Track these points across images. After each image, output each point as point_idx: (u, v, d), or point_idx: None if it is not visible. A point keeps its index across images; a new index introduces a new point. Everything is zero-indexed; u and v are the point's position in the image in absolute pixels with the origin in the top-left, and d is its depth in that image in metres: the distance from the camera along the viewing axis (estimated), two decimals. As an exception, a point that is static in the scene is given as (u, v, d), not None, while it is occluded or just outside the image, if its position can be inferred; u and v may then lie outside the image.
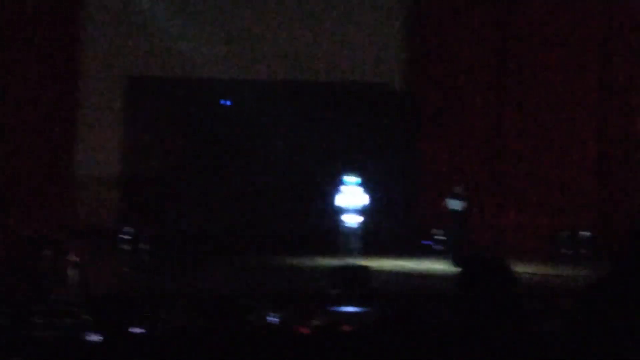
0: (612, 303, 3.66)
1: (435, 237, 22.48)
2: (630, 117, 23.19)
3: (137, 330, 7.51)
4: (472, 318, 3.68)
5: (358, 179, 18.35)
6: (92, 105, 22.58)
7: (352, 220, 17.99)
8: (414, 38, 24.02)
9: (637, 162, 22.81)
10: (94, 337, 7.30)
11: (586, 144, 23.45)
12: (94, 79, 22.63)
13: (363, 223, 18.27)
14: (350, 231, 18.20)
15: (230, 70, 23.41)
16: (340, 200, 18.15)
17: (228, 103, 22.70)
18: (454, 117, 23.58)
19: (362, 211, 18.13)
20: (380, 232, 22.62)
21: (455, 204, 19.63)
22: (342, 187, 18.26)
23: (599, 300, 3.73)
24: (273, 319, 10.54)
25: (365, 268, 16.33)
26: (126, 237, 21.08)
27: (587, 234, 22.38)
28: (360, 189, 18.30)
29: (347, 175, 18.38)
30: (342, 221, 18.16)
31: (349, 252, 17.88)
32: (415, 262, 21.65)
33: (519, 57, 23.38)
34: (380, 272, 18.61)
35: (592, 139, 23.42)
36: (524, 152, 23.40)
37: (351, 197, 18.07)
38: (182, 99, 22.71)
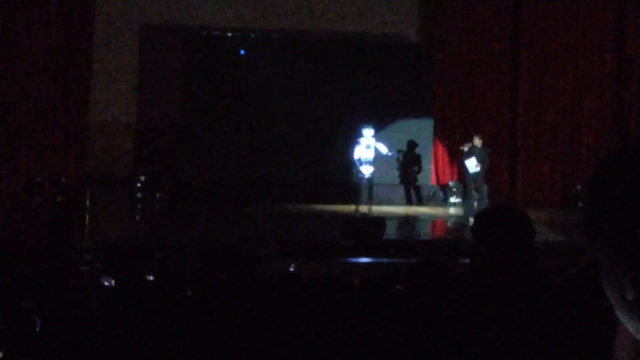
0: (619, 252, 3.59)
1: (451, 187, 22.51)
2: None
3: (150, 277, 7.52)
4: (488, 268, 3.63)
5: (373, 130, 18.32)
6: (107, 51, 22.57)
7: (367, 171, 17.97)
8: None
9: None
10: (107, 284, 7.31)
11: (602, 97, 23.34)
12: (109, 26, 22.61)
13: (379, 173, 18.26)
14: (366, 181, 18.19)
15: (246, 20, 23.32)
16: (356, 151, 18.12)
17: (242, 52, 22.60)
18: (470, 70, 23.45)
19: (378, 162, 18.09)
20: (396, 182, 22.70)
21: (472, 158, 19.54)
22: (358, 138, 18.23)
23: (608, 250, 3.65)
24: (286, 268, 10.53)
25: (381, 218, 16.30)
26: (140, 184, 21.11)
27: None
28: (375, 140, 18.27)
29: (363, 126, 18.36)
30: (357, 171, 18.14)
31: (364, 202, 17.87)
32: (431, 210, 21.77)
33: (535, 10, 23.20)
34: (394, 221, 18.70)
35: (608, 91, 23.31)
36: (539, 104, 23.29)
37: (367, 148, 18.04)
38: (197, 47, 22.64)
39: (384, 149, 18.63)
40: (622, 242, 1.70)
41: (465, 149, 19.22)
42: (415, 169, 22.87)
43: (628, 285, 1.70)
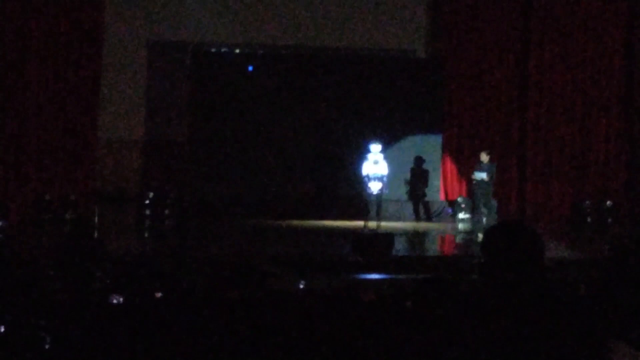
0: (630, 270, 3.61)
1: (459, 203, 22.49)
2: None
3: (158, 294, 7.51)
4: (496, 284, 3.63)
5: (381, 146, 18.30)
6: (116, 68, 22.63)
7: (376, 187, 17.95)
8: (439, 5, 23.86)
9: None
10: (116, 301, 7.31)
11: (611, 113, 23.31)
12: (118, 43, 22.68)
13: (387, 190, 18.24)
14: (374, 198, 18.17)
15: (253, 37, 23.37)
16: (364, 167, 18.10)
17: (250, 69, 22.64)
18: (479, 85, 23.44)
19: (386, 178, 18.07)
20: (404, 199, 22.69)
21: (482, 171, 19.53)
22: (366, 154, 18.21)
23: (619, 268, 3.68)
24: (295, 284, 10.52)
25: (389, 234, 16.29)
26: (149, 201, 21.12)
27: (612, 203, 22.33)
28: (384, 156, 18.25)
29: (371, 142, 18.34)
30: (366, 188, 18.12)
31: (373, 218, 17.84)
32: (439, 226, 21.77)
33: (544, 25, 23.20)
34: (403, 237, 18.70)
35: (617, 107, 23.28)
36: (548, 120, 23.26)
37: (374, 164, 18.02)
38: (205, 63, 22.69)
39: None
40: None
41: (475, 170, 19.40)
42: (423, 185, 22.85)
43: None
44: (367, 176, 18.00)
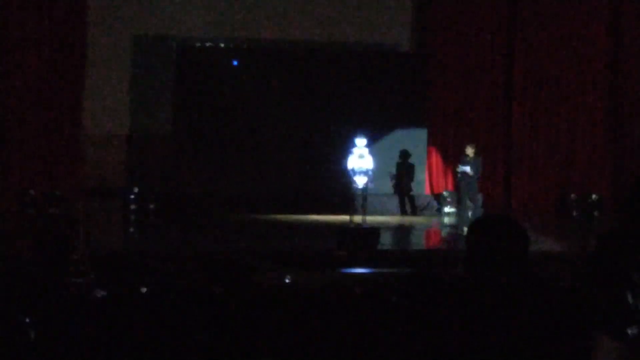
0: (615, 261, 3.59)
1: (445, 197, 22.51)
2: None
3: (143, 289, 7.48)
4: (481, 277, 3.62)
5: (366, 140, 18.27)
6: (100, 63, 22.55)
7: (361, 182, 17.92)
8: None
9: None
10: (100, 295, 7.28)
11: (596, 106, 23.34)
12: (102, 38, 22.60)
13: (372, 184, 18.22)
14: (360, 192, 18.13)
15: (238, 31, 23.32)
16: (350, 161, 18.07)
17: (235, 63, 22.62)
18: (465, 79, 23.45)
19: (372, 172, 18.05)
20: (390, 193, 22.70)
21: (467, 165, 19.54)
22: (351, 148, 18.18)
23: (603, 258, 3.66)
24: (281, 279, 10.50)
25: (375, 229, 16.29)
26: (133, 196, 21.06)
27: (597, 196, 22.38)
28: (369, 151, 18.22)
29: (356, 136, 18.30)
30: (352, 182, 18.09)
31: (359, 213, 17.82)
32: (425, 219, 21.80)
33: (529, 19, 23.21)
34: (388, 231, 18.70)
35: (602, 101, 23.32)
36: (533, 114, 23.29)
37: (360, 158, 17.99)
38: (190, 58, 22.64)
39: None
40: None
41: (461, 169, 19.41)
42: (408, 178, 22.86)
43: None
44: (353, 170, 17.98)
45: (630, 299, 3.41)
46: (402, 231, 20.23)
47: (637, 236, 3.57)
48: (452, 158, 22.54)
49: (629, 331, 3.53)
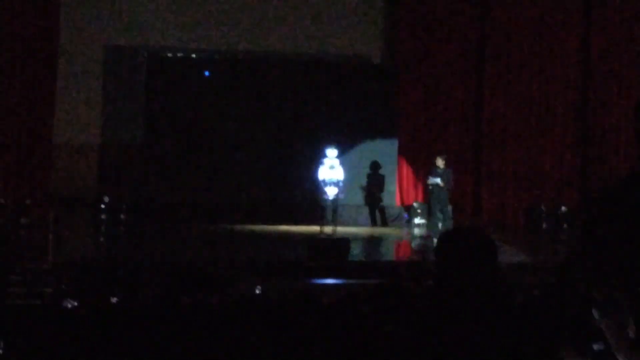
0: (580, 277, 3.66)
1: (415, 208, 22.55)
2: (610, 94, 23.22)
3: (114, 299, 7.48)
4: (450, 288, 3.65)
5: (337, 151, 18.27)
6: (71, 73, 22.50)
7: (332, 192, 17.93)
8: (395, 11, 23.96)
9: (616, 139, 22.86)
10: (70, 305, 7.27)
11: (565, 120, 23.47)
12: (73, 47, 22.56)
13: (343, 195, 18.24)
14: (330, 203, 18.14)
15: (210, 42, 23.35)
16: (320, 172, 18.07)
17: (207, 74, 22.63)
18: (434, 91, 23.55)
19: (342, 183, 18.07)
20: (360, 204, 22.73)
21: (437, 176, 19.60)
22: (322, 159, 18.18)
23: (570, 273, 3.73)
24: (251, 289, 10.51)
25: (345, 239, 16.34)
26: (104, 205, 21.00)
27: (566, 208, 22.49)
28: (340, 162, 18.23)
29: (327, 147, 18.31)
30: (322, 193, 18.10)
31: (329, 223, 17.83)
32: (395, 231, 21.84)
33: (500, 33, 23.34)
34: (359, 242, 18.74)
35: (573, 114, 23.45)
36: (503, 126, 23.40)
37: (330, 169, 18.00)
38: (162, 68, 22.62)
39: None
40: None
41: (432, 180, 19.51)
42: (378, 190, 22.91)
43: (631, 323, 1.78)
44: (324, 181, 17.97)
45: (596, 315, 3.47)
46: (372, 242, 20.25)
47: (594, 258, 3.63)
48: (422, 170, 22.61)
49: (594, 347, 3.59)
